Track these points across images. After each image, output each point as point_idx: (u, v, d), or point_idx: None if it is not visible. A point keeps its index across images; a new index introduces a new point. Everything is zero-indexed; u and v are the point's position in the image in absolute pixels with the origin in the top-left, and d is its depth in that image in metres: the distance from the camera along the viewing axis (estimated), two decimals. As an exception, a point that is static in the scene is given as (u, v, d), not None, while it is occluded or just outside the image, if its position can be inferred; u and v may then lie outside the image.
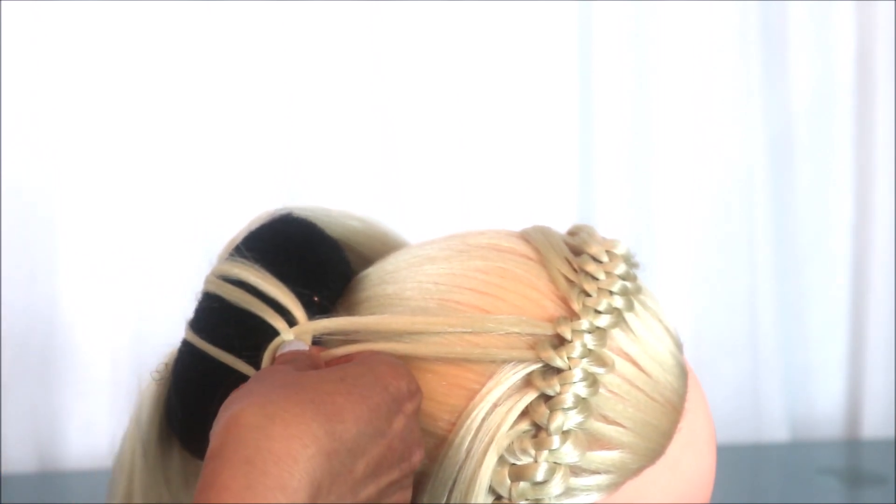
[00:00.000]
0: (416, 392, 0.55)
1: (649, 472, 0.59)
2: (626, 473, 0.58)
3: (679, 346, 0.63)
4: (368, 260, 0.69)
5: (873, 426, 1.57)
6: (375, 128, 1.45)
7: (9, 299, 1.40)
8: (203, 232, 1.41)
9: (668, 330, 0.62)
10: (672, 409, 0.60)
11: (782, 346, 1.56)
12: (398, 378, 0.54)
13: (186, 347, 0.63)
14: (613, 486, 0.58)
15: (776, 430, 1.56)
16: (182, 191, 1.42)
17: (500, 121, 1.47)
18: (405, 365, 0.57)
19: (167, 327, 0.73)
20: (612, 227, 1.48)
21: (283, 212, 0.67)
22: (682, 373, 0.62)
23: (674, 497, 0.60)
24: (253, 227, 0.65)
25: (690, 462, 0.61)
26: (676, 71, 1.49)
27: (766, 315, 1.54)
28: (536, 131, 1.48)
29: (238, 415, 0.49)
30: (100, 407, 1.42)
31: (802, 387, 1.59)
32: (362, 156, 1.46)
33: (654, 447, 0.59)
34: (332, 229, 0.68)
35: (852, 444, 1.59)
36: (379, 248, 0.70)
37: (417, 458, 0.55)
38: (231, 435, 0.48)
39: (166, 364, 0.66)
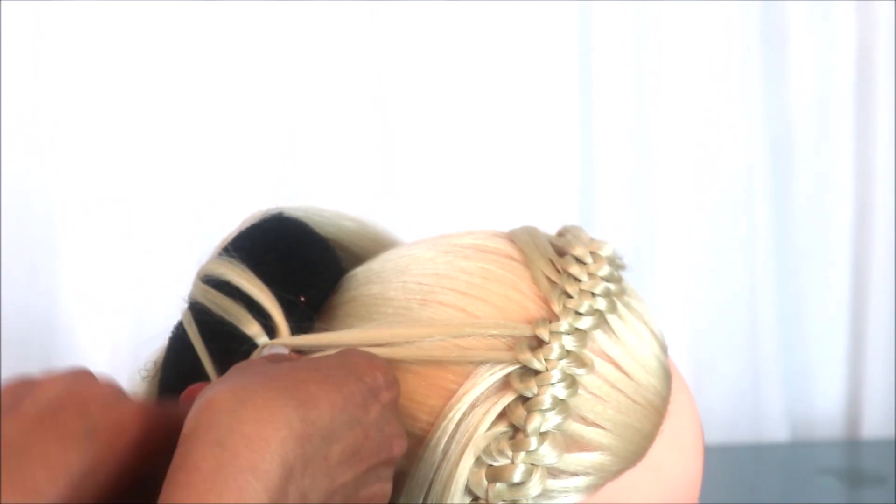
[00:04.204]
0: (393, 383, 0.56)
1: (630, 474, 0.59)
2: (605, 475, 0.58)
3: (664, 348, 0.63)
4: (361, 260, 0.68)
5: (873, 426, 1.57)
6: (375, 128, 1.45)
7: (9, 297, 1.40)
8: (202, 229, 1.42)
9: (652, 332, 0.62)
10: (654, 412, 0.60)
11: (782, 346, 1.56)
12: (373, 369, 0.55)
13: (171, 345, 0.64)
14: (593, 488, 0.58)
15: (776, 430, 1.56)
16: (181, 187, 1.43)
17: (500, 121, 1.47)
18: (382, 357, 0.57)
19: (167, 325, 0.73)
20: (613, 227, 1.48)
21: (275, 211, 0.66)
22: (666, 375, 0.62)
23: (656, 499, 0.60)
24: (243, 227, 0.66)
25: (674, 464, 0.61)
26: (676, 71, 1.49)
27: (766, 315, 1.54)
28: (536, 131, 1.48)
29: (210, 399, 0.49)
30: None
31: (802, 387, 1.59)
32: (362, 156, 1.46)
33: (634, 449, 0.59)
34: (324, 229, 0.68)
35: (852, 444, 1.59)
36: (372, 247, 0.70)
37: (398, 448, 0.55)
38: (203, 418, 0.49)
39: (154, 362, 0.67)
